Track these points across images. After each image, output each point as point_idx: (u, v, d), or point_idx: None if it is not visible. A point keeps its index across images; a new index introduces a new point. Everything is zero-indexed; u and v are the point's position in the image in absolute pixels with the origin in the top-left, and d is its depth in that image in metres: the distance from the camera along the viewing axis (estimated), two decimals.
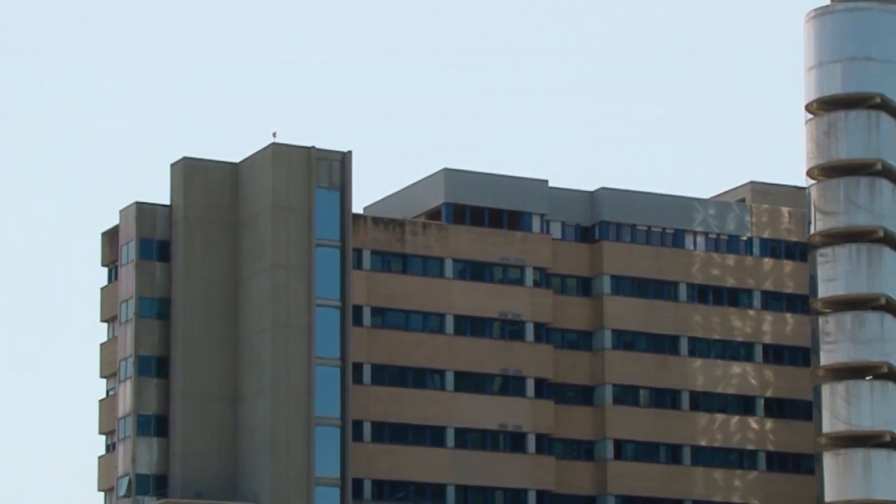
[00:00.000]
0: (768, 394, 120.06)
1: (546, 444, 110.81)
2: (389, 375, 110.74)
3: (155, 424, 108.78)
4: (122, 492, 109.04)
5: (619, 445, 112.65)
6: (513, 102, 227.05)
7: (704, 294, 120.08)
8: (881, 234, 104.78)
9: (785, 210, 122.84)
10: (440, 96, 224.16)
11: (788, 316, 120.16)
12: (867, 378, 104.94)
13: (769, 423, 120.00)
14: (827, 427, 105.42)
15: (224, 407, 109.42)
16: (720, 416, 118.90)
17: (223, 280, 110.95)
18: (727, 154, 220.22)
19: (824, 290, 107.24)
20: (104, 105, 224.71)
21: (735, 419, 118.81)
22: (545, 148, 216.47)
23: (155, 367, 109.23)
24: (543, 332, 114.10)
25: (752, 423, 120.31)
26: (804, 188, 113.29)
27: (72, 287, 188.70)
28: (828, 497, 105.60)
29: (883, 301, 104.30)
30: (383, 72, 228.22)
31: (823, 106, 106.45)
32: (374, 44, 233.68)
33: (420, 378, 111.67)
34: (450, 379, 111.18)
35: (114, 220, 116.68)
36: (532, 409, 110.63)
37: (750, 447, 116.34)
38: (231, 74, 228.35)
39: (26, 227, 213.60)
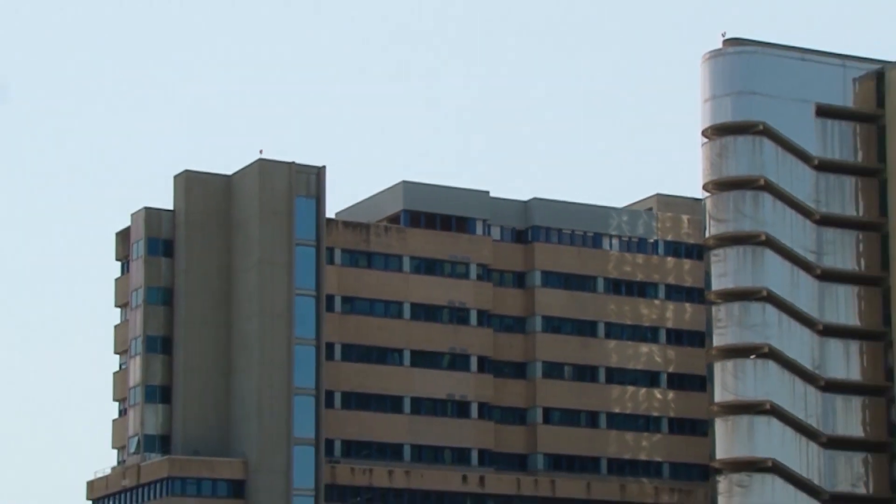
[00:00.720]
0: (670, 370, 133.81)
1: (486, 411, 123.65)
2: (356, 353, 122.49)
3: (160, 393, 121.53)
4: (132, 449, 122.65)
5: (547, 412, 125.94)
6: (462, 126, 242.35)
7: (618, 287, 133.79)
8: (763, 238, 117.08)
9: (685, 218, 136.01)
10: (401, 120, 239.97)
11: (687, 305, 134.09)
12: (751, 357, 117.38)
13: (671, 394, 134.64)
14: (718, 397, 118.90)
15: (218, 379, 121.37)
16: (630, 388, 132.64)
17: (218, 273, 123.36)
18: (638, 170, 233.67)
19: (716, 284, 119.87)
20: (120, 126, 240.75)
21: (643, 391, 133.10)
22: (487, 163, 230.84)
23: (160, 345, 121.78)
24: (485, 318, 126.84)
25: (657, 394, 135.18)
26: (700, 199, 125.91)
27: (90, 278, 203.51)
28: (718, 455, 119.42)
29: (765, 293, 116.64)
30: (354, 97, 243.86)
31: (716, 132, 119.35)
32: (347, 73, 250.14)
33: (382, 356, 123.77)
34: (407, 357, 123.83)
35: (126, 222, 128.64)
36: (475, 382, 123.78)
37: (655, 414, 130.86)
38: (226, 101, 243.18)
39: (52, 229, 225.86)
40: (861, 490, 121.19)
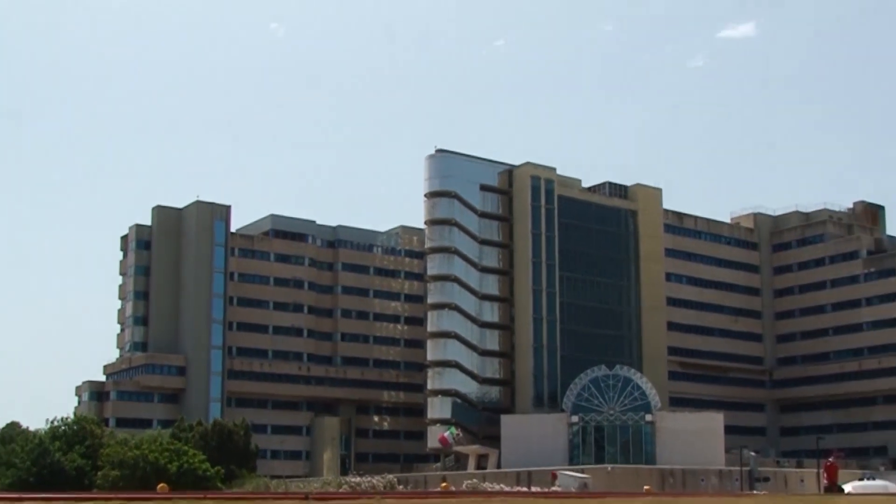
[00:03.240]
0: (406, 314, 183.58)
1: None
2: (245, 302, 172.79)
3: (141, 321, 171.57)
4: (127, 350, 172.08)
5: None
6: (304, 177, 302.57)
7: (381, 272, 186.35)
8: (453, 249, 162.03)
9: (415, 238, 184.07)
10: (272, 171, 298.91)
11: (416, 283, 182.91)
12: (445, 308, 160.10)
13: (406, 328, 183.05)
14: (430, 328, 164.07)
15: (172, 316, 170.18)
16: (389, 325, 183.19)
17: (173, 260, 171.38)
18: (393, 211, 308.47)
19: (430, 272, 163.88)
20: (128, 170, 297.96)
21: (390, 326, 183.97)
22: (317, 200, 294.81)
23: (142, 297, 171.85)
24: (316, 287, 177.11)
25: (397, 327, 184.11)
26: (423, 229, 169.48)
27: (108, 261, 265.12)
28: (430, 358, 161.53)
29: (453, 277, 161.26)
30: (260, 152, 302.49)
31: (432, 195, 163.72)
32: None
33: (257, 304, 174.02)
34: (270, 305, 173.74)
35: (125, 231, 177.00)
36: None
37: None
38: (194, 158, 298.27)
39: (89, 232, 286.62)
40: (501, 376, 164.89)
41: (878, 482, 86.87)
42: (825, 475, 70.92)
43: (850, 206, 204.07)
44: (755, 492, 78.02)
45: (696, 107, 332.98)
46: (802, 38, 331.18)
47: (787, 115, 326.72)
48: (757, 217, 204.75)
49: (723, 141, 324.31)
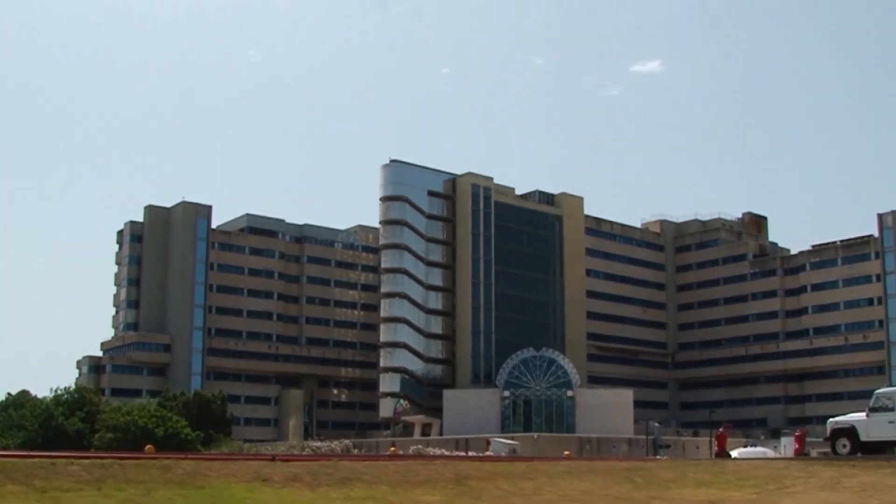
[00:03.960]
0: (363, 301, 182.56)
1: None
2: (221, 288, 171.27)
3: (133, 304, 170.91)
4: (121, 329, 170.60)
5: None
6: (269, 176, 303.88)
7: (341, 265, 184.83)
8: (404, 245, 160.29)
9: (370, 235, 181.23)
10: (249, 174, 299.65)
11: (371, 274, 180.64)
12: (396, 297, 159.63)
13: (362, 312, 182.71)
14: (384, 313, 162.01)
15: (160, 300, 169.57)
16: (343, 310, 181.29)
17: (161, 252, 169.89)
18: (351, 211, 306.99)
19: (384, 264, 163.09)
20: (121, 174, 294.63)
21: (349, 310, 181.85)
22: (286, 200, 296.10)
23: (134, 283, 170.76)
24: (286, 276, 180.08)
25: (355, 312, 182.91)
26: (378, 228, 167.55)
27: (106, 251, 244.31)
28: (383, 339, 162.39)
29: (403, 269, 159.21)
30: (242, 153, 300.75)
31: (386, 199, 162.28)
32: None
33: (230, 290, 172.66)
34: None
35: (120, 226, 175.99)
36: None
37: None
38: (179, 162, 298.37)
39: (90, 227, 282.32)
40: (444, 356, 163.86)
41: (759, 448, 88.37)
42: (716, 443, 71.82)
43: (740, 216, 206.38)
44: (658, 457, 78.65)
45: (613, 128, 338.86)
46: (701, 73, 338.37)
47: (689, 138, 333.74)
48: (663, 223, 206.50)
49: (635, 157, 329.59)
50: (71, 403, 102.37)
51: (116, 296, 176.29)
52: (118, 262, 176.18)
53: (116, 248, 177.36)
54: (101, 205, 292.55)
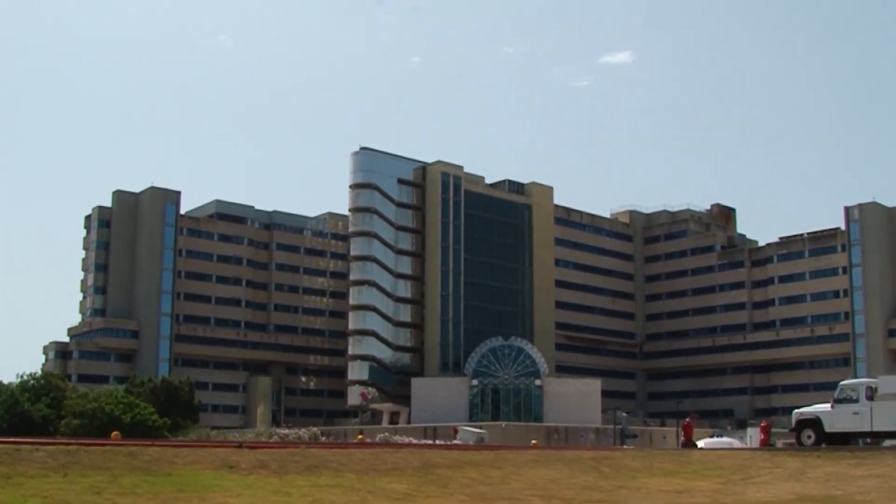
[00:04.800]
0: (331, 289, 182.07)
1: None
2: (189, 274, 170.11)
3: (101, 290, 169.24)
4: (88, 315, 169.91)
5: None
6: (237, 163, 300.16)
7: (310, 252, 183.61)
8: (373, 233, 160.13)
9: (340, 223, 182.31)
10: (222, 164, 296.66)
11: (340, 262, 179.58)
12: (365, 285, 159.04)
13: (330, 301, 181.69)
14: (352, 301, 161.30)
15: (127, 285, 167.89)
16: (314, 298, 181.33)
17: (130, 244, 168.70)
18: (324, 200, 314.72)
19: (353, 252, 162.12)
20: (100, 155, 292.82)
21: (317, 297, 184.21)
22: (256, 188, 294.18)
23: (102, 268, 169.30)
24: (253, 263, 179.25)
25: (322, 300, 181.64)
26: (348, 215, 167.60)
27: (73, 237, 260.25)
28: (351, 327, 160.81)
29: (373, 257, 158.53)
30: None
31: (356, 186, 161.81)
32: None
33: (199, 276, 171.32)
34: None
35: (88, 211, 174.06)
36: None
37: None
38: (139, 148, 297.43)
39: (59, 212, 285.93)
40: (413, 344, 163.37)
41: (725, 439, 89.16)
42: (683, 433, 72.38)
43: (709, 207, 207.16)
44: (625, 446, 79.14)
45: (583, 118, 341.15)
46: (671, 65, 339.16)
47: (659, 129, 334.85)
48: (632, 214, 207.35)
49: (605, 148, 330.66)
50: (37, 389, 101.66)
51: (84, 281, 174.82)
52: (86, 248, 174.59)
53: (84, 233, 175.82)
54: (69, 190, 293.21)
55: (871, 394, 46.04)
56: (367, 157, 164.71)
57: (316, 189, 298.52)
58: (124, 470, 26.69)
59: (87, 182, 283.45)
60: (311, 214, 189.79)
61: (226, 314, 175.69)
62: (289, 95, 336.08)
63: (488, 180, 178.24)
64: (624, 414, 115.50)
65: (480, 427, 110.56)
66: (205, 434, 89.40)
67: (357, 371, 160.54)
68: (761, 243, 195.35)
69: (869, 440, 48.57)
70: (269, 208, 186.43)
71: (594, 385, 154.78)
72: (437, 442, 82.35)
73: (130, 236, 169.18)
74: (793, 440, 50.57)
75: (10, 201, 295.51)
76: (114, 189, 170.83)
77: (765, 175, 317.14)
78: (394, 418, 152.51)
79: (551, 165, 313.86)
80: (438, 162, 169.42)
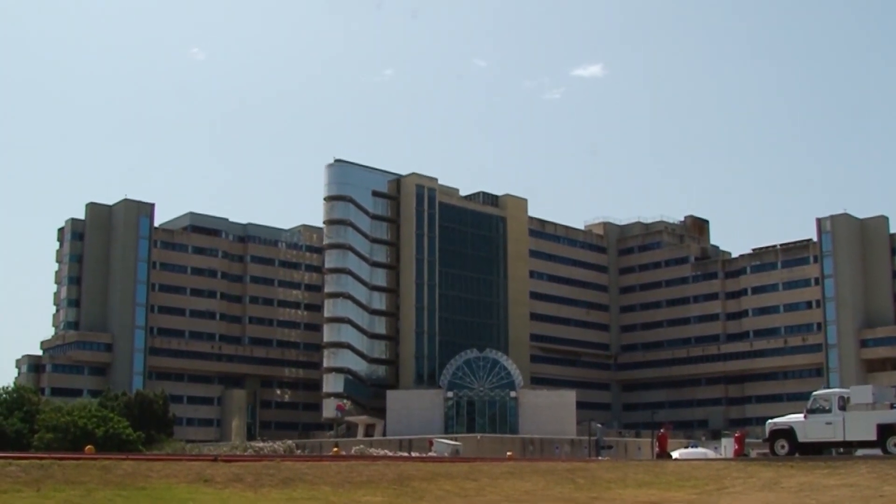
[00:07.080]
0: (307, 302, 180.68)
1: None
2: (162, 287, 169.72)
3: (74, 302, 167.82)
4: (62, 328, 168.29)
5: None
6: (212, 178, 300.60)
7: (284, 264, 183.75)
8: (348, 245, 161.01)
9: (315, 235, 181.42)
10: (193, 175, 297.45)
11: (314, 274, 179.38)
12: (340, 297, 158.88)
13: (306, 313, 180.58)
14: (328, 313, 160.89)
15: (101, 299, 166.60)
16: (290, 310, 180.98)
17: (104, 257, 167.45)
18: (299, 212, 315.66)
19: (328, 264, 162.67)
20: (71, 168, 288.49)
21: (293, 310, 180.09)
22: (230, 202, 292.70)
23: (75, 281, 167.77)
24: (234, 277, 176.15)
25: (298, 312, 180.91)
26: (322, 228, 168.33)
27: (46, 249, 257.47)
28: (326, 339, 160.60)
29: (347, 270, 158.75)
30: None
31: (331, 198, 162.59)
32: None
33: (174, 290, 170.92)
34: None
35: (61, 223, 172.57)
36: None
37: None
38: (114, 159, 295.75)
39: (35, 226, 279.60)
40: (388, 357, 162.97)
41: (700, 450, 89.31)
42: (658, 444, 72.62)
43: (682, 219, 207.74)
44: (600, 457, 79.39)
45: (556, 131, 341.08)
46: (642, 77, 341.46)
47: (632, 141, 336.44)
48: (606, 226, 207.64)
49: (579, 160, 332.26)
50: (10, 403, 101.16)
51: (57, 294, 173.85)
52: (59, 260, 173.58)
53: (57, 245, 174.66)
54: (42, 202, 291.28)
55: (844, 404, 46.34)
56: (341, 169, 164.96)
57: (290, 201, 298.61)
58: (98, 484, 26.54)
59: (60, 194, 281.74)
60: (286, 227, 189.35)
61: (200, 327, 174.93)
62: (262, 108, 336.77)
63: (463, 192, 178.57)
64: (599, 425, 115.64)
65: (456, 439, 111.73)
66: (179, 448, 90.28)
67: (332, 383, 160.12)
68: (734, 255, 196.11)
69: (842, 450, 48.79)
70: (244, 220, 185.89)
71: (569, 396, 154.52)
72: (413, 454, 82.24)
73: (104, 249, 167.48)
74: (766, 450, 50.87)
75: None
76: (87, 201, 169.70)
77: (738, 187, 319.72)
78: (369, 431, 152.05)
79: (525, 177, 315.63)
80: (413, 174, 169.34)
